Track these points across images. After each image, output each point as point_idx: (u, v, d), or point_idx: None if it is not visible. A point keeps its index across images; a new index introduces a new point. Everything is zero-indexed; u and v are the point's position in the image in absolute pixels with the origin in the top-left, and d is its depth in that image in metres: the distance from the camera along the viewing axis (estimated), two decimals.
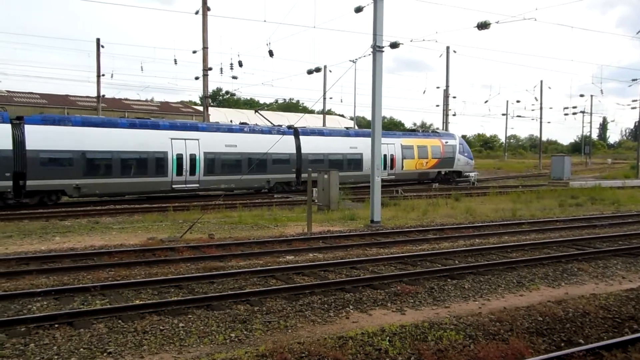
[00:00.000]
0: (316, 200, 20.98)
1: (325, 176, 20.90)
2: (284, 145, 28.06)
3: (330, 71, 46.83)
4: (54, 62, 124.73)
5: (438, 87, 56.33)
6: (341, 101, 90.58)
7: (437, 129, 51.76)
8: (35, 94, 54.46)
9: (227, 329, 7.05)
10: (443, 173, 38.78)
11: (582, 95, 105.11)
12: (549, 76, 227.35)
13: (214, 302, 8.06)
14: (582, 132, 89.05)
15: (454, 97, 73.23)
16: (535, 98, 63.42)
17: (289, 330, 7.09)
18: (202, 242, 13.00)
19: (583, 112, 72.46)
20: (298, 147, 29.91)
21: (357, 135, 33.51)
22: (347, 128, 37.53)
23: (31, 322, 7.00)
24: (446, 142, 38.94)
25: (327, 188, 20.78)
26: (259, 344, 6.50)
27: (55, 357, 6.07)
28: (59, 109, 48.08)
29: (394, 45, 18.22)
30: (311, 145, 30.62)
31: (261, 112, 51.18)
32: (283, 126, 32.37)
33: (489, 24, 16.09)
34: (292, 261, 11.44)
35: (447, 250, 12.62)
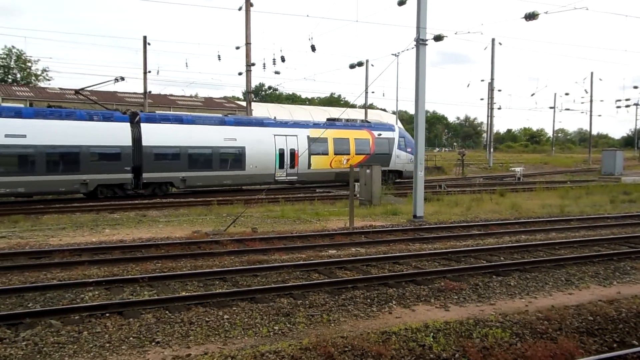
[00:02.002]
0: (358, 195, 20.94)
1: (368, 171, 20.84)
2: (112, 135, 22.52)
3: (372, 65, 46.47)
4: (104, 59, 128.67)
5: (482, 80, 55.08)
6: (383, 95, 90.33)
7: (386, 119, 43.99)
8: (86, 90, 56.23)
9: (270, 322, 7.13)
10: None
11: (636, 87, 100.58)
12: (600, 67, 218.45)
13: (257, 295, 8.17)
14: (635, 125, 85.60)
15: (499, 91, 71.48)
16: (585, 90, 61.46)
17: (332, 324, 7.12)
18: (245, 236, 13.18)
19: (637, 104, 69.66)
20: (137, 138, 23.27)
21: (237, 123, 26.75)
22: (226, 115, 28.92)
23: (84, 310, 7.27)
24: (379, 135, 31.95)
25: (369, 183, 20.70)
26: (303, 337, 6.55)
27: (107, 345, 6.29)
28: (108, 105, 49.48)
29: (438, 38, 17.95)
30: (159, 136, 23.81)
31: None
32: (120, 112, 25.16)
33: (537, 14, 15.63)
34: (335, 255, 11.46)
35: (492, 247, 12.38)
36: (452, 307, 7.95)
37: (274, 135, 27.39)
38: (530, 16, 15.78)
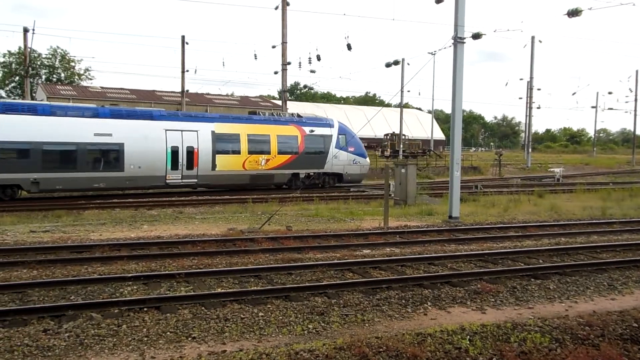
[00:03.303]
0: (393, 195, 20.80)
1: (403, 170, 20.67)
2: None
3: (408, 64, 46.11)
4: (143, 59, 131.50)
5: (521, 79, 54.13)
6: (419, 94, 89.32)
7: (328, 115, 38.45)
8: (126, 89, 57.68)
9: (305, 320, 7.15)
10: (304, 175, 27.24)
11: None
12: None
13: (292, 293, 8.19)
14: None
15: (539, 89, 70.10)
16: (630, 89, 59.55)
17: (366, 324, 7.09)
18: (280, 234, 13.25)
19: None
20: None
21: (114, 116, 22.65)
22: (99, 106, 23.76)
23: (123, 304, 7.44)
24: (311, 132, 27.42)
25: (404, 182, 20.54)
26: (337, 336, 6.54)
27: (145, 338, 6.41)
28: (146, 104, 50.60)
29: (476, 36, 17.70)
30: (1, 129, 20.09)
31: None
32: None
33: (581, 10, 15.23)
34: (369, 255, 11.41)
35: (530, 249, 12.11)
36: (489, 310, 7.81)
37: (166, 130, 23.15)
38: (574, 13, 15.37)
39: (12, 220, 15.69)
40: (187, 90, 43.98)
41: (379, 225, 15.19)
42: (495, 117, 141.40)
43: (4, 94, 65.27)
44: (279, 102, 50.78)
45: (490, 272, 9.76)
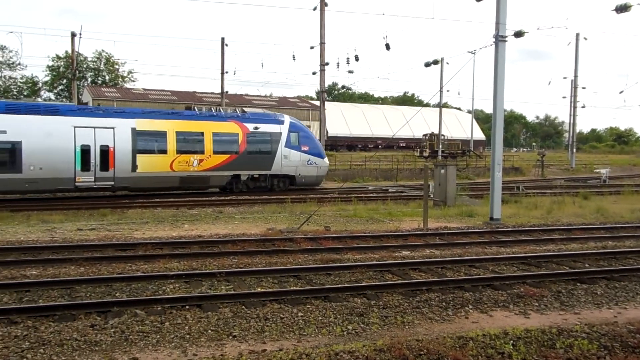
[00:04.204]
0: (432, 196, 20.56)
1: (442, 171, 20.41)
2: None
3: (447, 63, 45.67)
4: (184, 61, 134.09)
5: (565, 78, 52.45)
6: (458, 94, 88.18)
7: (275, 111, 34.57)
8: (167, 91, 58.96)
9: (344, 321, 7.13)
10: (247, 178, 24.78)
11: None
12: None
13: (331, 294, 8.19)
14: None
15: (584, 88, 67.95)
16: None
17: (406, 327, 7.02)
18: (318, 234, 13.28)
19: None
20: None
21: (8, 110, 20.31)
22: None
23: (166, 302, 7.59)
24: (255, 129, 24.77)
25: (444, 183, 20.27)
26: (376, 338, 6.50)
27: (187, 336, 6.53)
28: (187, 105, 51.56)
29: (519, 34, 17.29)
30: None
31: None
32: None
33: (630, 6, 14.69)
34: (408, 257, 11.31)
35: (575, 252, 11.76)
36: (533, 315, 7.62)
37: (75, 127, 20.85)
38: (622, 8, 14.85)
39: (60, 218, 16.24)
40: (227, 92, 44.61)
41: (418, 226, 15.04)
42: (537, 117, 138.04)
43: (53, 97, 67.74)
44: (317, 103, 50.87)
45: (534, 276, 9.52)
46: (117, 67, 69.35)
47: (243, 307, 7.60)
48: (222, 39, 41.12)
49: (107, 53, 68.11)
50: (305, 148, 25.99)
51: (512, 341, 6.29)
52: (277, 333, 6.70)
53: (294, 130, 25.96)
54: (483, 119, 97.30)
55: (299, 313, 7.40)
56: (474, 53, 34.77)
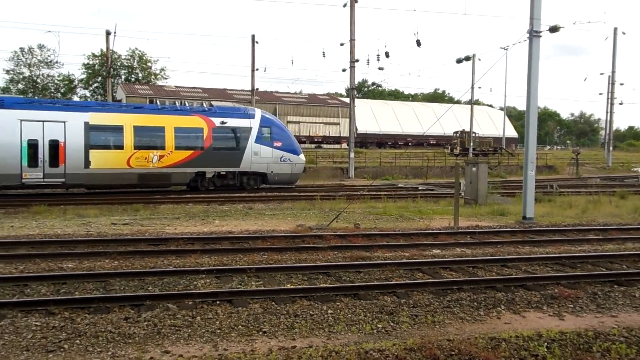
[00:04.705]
0: (463, 194, 20.30)
1: (474, 169, 20.13)
2: None
3: (479, 60, 45.01)
4: (215, 58, 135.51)
5: (602, 74, 51.03)
6: (490, 90, 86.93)
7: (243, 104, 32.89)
8: (199, 88, 59.65)
9: (374, 319, 7.10)
10: (213, 175, 23.66)
11: None
12: None
13: (360, 292, 8.16)
14: None
15: (621, 84, 66.09)
16: None
17: (437, 326, 6.95)
18: (348, 232, 13.25)
19: None
20: None
21: None
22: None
23: (197, 297, 7.68)
24: (222, 123, 23.39)
25: (475, 181, 19.99)
26: (407, 337, 6.45)
27: (218, 331, 6.59)
28: (218, 102, 52.07)
29: (554, 29, 16.88)
30: None
31: None
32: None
33: None
34: (439, 255, 11.19)
35: (612, 253, 11.44)
36: (568, 317, 7.45)
37: (21, 120, 19.77)
38: None
39: (95, 213, 16.62)
40: (257, 89, 44.88)
41: (449, 224, 14.87)
42: (572, 114, 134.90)
43: (88, 94, 69.31)
44: (346, 100, 50.75)
45: (569, 277, 9.31)
46: (150, 64, 70.51)
47: (273, 303, 7.64)
48: (253, 36, 41.39)
49: (140, 51, 69.31)
50: (278, 144, 24.61)
51: (546, 343, 6.16)
52: (307, 330, 6.72)
53: (265, 124, 24.57)
54: (515, 116, 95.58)
55: (329, 310, 7.39)
56: (506, 49, 34.24)
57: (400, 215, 16.90)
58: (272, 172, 24.46)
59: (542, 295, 8.34)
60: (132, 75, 70.25)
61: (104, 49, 41.25)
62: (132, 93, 52.53)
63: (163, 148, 22.24)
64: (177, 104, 24.57)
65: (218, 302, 7.59)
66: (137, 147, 21.77)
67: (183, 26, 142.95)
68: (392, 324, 6.97)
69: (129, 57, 69.61)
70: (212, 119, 23.38)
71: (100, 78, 65.62)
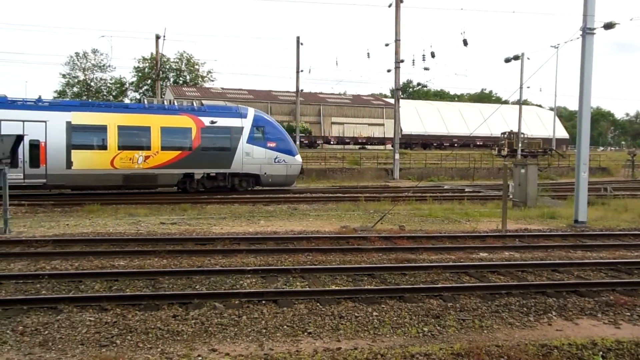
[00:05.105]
0: (511, 196, 19.82)
1: (522, 170, 19.62)
2: None
3: (528, 59, 43.74)
4: (260, 60, 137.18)
5: None
6: (540, 90, 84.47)
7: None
8: (244, 90, 60.56)
9: (419, 323, 7.01)
10: (202, 176, 22.99)
11: None
12: None
13: (406, 294, 8.08)
14: None
15: None
16: None
17: (485, 331, 6.80)
18: (393, 233, 13.14)
19: None
20: None
21: None
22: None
23: (243, 296, 7.77)
24: (212, 123, 22.66)
25: (524, 183, 19.47)
26: (453, 341, 6.34)
27: (264, 330, 6.65)
28: (263, 104, 52.75)
29: (609, 26, 16.26)
30: None
31: None
32: None
33: None
34: (486, 259, 10.95)
35: None
36: (624, 325, 7.14)
37: (0, 120, 19.59)
38: None
39: (144, 212, 17.10)
40: (302, 90, 45.19)
41: (497, 227, 14.53)
42: (627, 114, 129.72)
43: (138, 97, 71.45)
44: (391, 100, 50.40)
45: (625, 283, 8.94)
46: (197, 67, 72.11)
47: (318, 304, 7.65)
48: (297, 37, 41.72)
49: (187, 54, 71.00)
50: (272, 144, 23.70)
51: (601, 352, 5.94)
52: (352, 332, 6.69)
53: (258, 124, 23.69)
54: (566, 117, 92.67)
55: (374, 312, 7.35)
56: (557, 47, 33.22)
57: (446, 217, 16.63)
58: (265, 173, 23.72)
59: (596, 302, 8.04)
60: (180, 78, 71.99)
61: (154, 53, 42.40)
62: (179, 95, 53.78)
63: (149, 148, 21.77)
64: (165, 103, 24.13)
65: (264, 302, 7.66)
66: (122, 148, 21.38)
67: (229, 29, 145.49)
68: (438, 327, 6.86)
69: (177, 60, 71.38)
70: (201, 118, 22.77)
71: (149, 81, 67.53)
